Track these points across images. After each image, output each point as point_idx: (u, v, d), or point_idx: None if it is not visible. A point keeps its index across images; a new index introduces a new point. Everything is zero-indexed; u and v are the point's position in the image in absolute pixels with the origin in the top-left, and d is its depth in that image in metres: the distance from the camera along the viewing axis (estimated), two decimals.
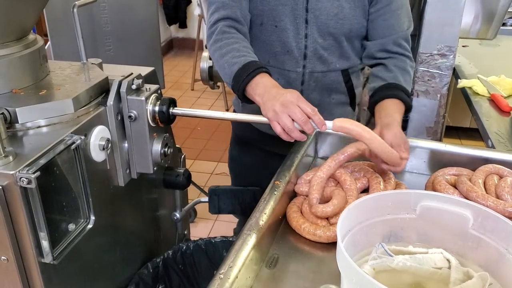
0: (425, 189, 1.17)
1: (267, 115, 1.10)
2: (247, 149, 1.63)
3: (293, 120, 1.07)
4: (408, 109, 1.28)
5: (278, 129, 1.08)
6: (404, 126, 2.21)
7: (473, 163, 1.23)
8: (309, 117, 1.07)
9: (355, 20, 1.33)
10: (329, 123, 1.09)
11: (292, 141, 1.11)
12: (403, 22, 1.35)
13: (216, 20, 1.30)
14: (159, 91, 1.19)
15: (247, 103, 1.23)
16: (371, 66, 1.41)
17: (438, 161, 1.29)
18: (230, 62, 1.21)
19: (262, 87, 1.15)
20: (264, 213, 1.02)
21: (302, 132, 1.10)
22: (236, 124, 1.67)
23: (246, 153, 1.65)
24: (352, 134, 1.08)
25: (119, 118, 1.14)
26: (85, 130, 1.03)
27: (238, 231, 1.81)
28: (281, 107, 1.07)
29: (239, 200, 1.58)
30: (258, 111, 1.19)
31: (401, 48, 1.35)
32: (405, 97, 1.27)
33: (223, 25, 1.28)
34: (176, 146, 1.46)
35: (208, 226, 2.81)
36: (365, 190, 1.16)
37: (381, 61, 1.36)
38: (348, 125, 1.07)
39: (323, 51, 1.37)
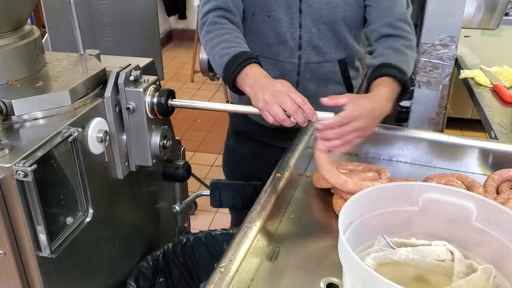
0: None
1: (257, 106, 1.09)
2: (244, 140, 1.62)
3: (284, 110, 1.05)
4: (404, 87, 1.19)
5: (269, 119, 1.07)
6: (406, 117, 2.20)
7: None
8: (299, 107, 1.05)
9: (348, 7, 1.31)
10: (328, 114, 1.08)
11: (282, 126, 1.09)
12: (400, 5, 1.30)
13: (207, 11, 1.28)
14: (157, 83, 1.18)
15: (239, 95, 1.21)
16: (369, 54, 1.36)
17: (440, 153, 1.28)
18: (220, 53, 1.20)
19: (252, 77, 1.13)
20: (265, 206, 1.01)
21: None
22: (233, 115, 1.66)
23: (242, 144, 1.64)
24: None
25: (117, 110, 1.12)
26: (82, 122, 1.02)
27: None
28: (271, 97, 1.06)
29: (240, 194, 1.58)
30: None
31: (396, 29, 1.28)
32: (396, 73, 1.18)
33: (214, 16, 1.26)
34: (176, 138, 1.45)
35: (208, 219, 2.80)
36: None
37: (374, 47, 1.30)
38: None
39: (318, 41, 1.35)
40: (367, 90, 1.22)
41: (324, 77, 1.41)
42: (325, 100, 1.09)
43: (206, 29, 1.27)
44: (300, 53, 1.36)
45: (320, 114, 1.08)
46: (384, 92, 1.15)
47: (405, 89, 1.21)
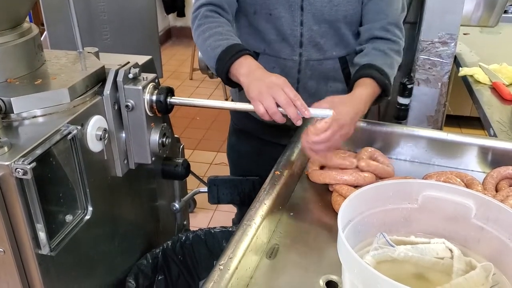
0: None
1: (250, 95, 1.09)
2: (244, 137, 1.63)
3: (276, 103, 1.06)
4: (384, 90, 1.23)
5: (261, 110, 1.07)
6: (405, 115, 2.20)
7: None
8: (292, 102, 1.06)
9: (350, 6, 1.31)
10: (329, 112, 1.08)
11: (274, 121, 1.09)
12: (395, 8, 1.32)
13: (199, 6, 1.29)
14: (156, 80, 1.17)
15: (231, 87, 1.22)
16: (359, 52, 1.37)
17: (439, 150, 1.28)
18: (213, 45, 1.20)
19: (246, 67, 1.14)
20: (264, 204, 1.01)
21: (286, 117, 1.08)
22: (233, 112, 1.66)
23: (243, 142, 1.64)
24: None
25: (116, 107, 1.12)
26: (81, 120, 1.02)
27: (236, 222, 1.81)
28: (266, 88, 1.06)
29: (238, 190, 1.58)
30: None
31: (387, 33, 1.31)
32: (377, 75, 1.22)
33: (206, 10, 1.27)
34: (175, 136, 1.44)
35: (207, 216, 2.81)
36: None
37: (363, 46, 1.33)
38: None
39: (319, 39, 1.35)
40: (350, 87, 1.26)
41: (325, 75, 1.41)
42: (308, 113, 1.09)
43: (198, 23, 1.27)
44: (301, 51, 1.36)
45: (319, 111, 1.08)
46: (364, 94, 1.19)
47: (385, 92, 1.25)
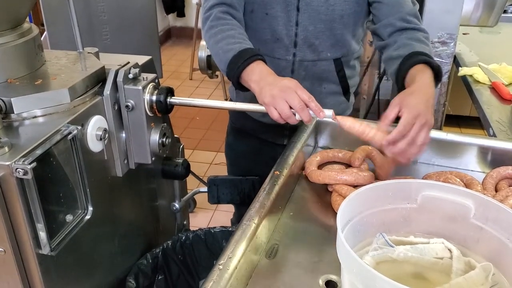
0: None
1: (263, 101, 1.08)
2: (242, 136, 1.63)
3: (290, 106, 1.05)
4: (438, 73, 1.18)
5: (275, 115, 1.06)
6: None
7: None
8: (306, 105, 1.05)
9: (347, 6, 1.31)
10: (328, 112, 1.08)
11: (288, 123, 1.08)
12: (407, 2, 1.30)
13: (211, 6, 1.28)
14: (156, 80, 1.18)
15: (241, 91, 1.21)
16: (382, 49, 1.32)
17: (439, 150, 1.28)
18: (225, 48, 1.19)
19: (258, 73, 1.13)
20: (264, 203, 1.02)
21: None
22: (231, 112, 1.66)
23: (240, 141, 1.64)
24: (353, 132, 1.07)
25: (116, 107, 1.12)
26: (81, 120, 1.02)
27: (235, 221, 1.81)
28: (279, 92, 1.05)
29: (238, 190, 1.58)
30: (251, 99, 1.18)
31: (409, 23, 1.27)
32: (429, 59, 1.17)
33: (218, 11, 1.26)
34: (175, 136, 1.45)
35: (207, 216, 2.81)
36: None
37: (391, 41, 1.28)
38: (349, 123, 1.06)
39: (314, 39, 1.34)
40: (397, 80, 1.21)
41: (319, 76, 1.41)
42: (383, 125, 1.07)
43: (210, 24, 1.26)
44: (295, 51, 1.36)
45: (326, 112, 1.08)
46: (425, 78, 1.14)
47: (439, 76, 1.19)
